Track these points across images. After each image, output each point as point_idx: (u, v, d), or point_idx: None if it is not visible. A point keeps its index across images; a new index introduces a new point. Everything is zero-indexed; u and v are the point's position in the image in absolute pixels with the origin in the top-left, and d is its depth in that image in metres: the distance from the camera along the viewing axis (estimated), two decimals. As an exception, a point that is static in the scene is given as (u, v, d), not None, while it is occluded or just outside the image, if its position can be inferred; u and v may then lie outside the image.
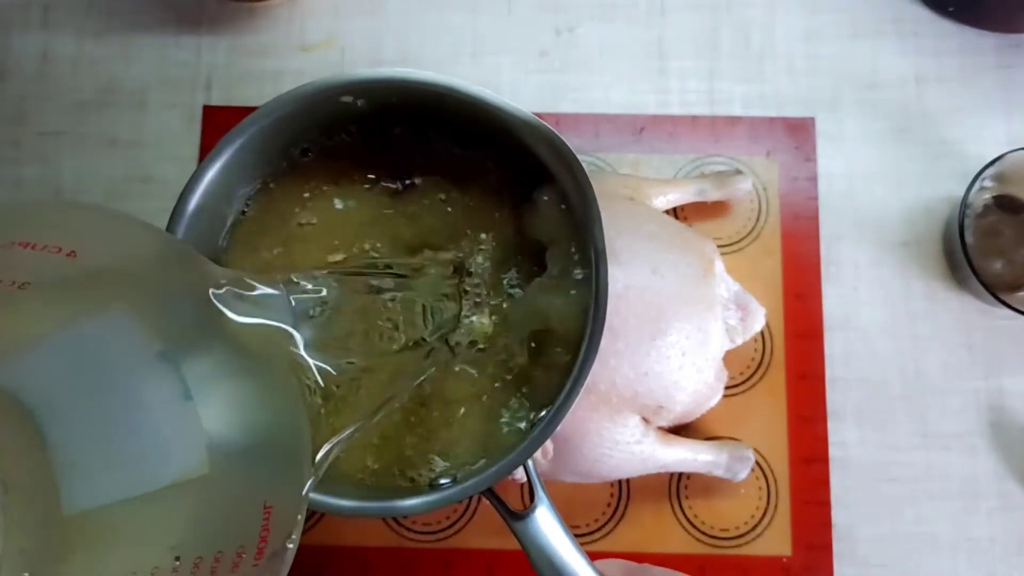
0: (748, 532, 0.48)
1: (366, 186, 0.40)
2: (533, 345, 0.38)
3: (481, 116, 0.36)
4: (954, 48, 0.54)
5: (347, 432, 0.29)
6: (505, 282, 0.39)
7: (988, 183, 0.48)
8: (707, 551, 0.48)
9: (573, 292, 0.37)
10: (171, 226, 0.36)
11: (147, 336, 0.22)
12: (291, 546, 0.24)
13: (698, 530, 0.48)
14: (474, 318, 0.38)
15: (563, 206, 0.38)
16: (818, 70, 0.54)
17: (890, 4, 0.54)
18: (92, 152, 0.53)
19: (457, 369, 0.38)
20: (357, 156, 0.40)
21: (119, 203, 0.52)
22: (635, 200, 0.47)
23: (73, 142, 0.53)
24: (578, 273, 0.37)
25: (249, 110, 0.36)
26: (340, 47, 0.54)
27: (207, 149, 0.36)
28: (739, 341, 0.45)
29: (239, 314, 0.25)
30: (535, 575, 0.35)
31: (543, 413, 0.36)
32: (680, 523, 0.48)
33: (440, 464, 0.37)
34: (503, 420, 0.37)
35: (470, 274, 0.39)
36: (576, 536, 0.35)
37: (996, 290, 0.46)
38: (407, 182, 0.40)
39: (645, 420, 0.43)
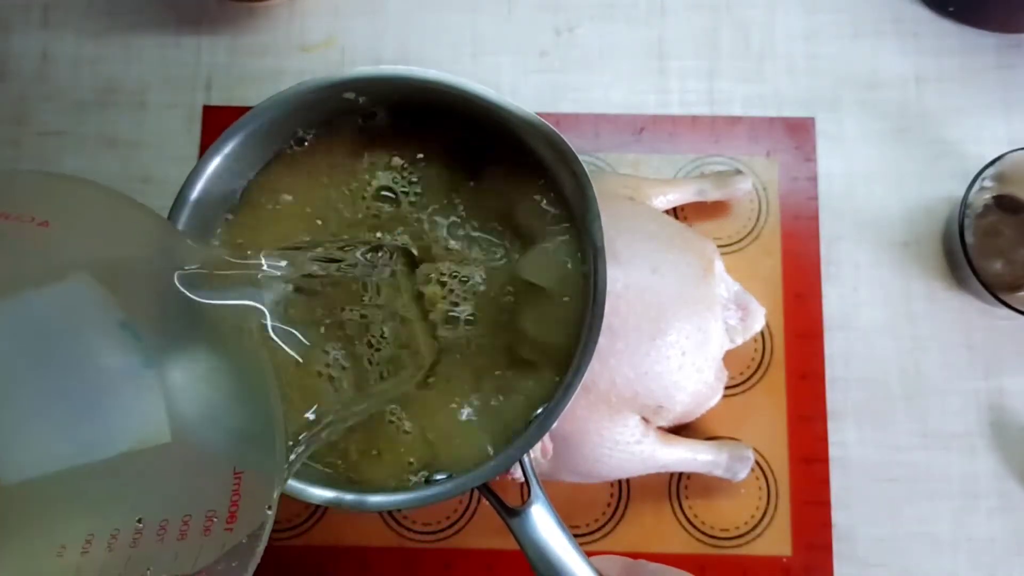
0: (748, 532, 0.48)
1: (366, 180, 0.40)
2: (529, 340, 0.38)
3: (482, 114, 0.36)
4: (954, 48, 0.54)
5: (329, 403, 0.29)
6: (495, 271, 0.39)
7: (988, 183, 0.48)
8: (707, 551, 0.48)
9: (569, 297, 0.37)
10: (172, 215, 0.36)
11: (108, 305, 0.22)
12: (270, 511, 0.24)
13: (698, 530, 0.48)
14: (457, 309, 0.38)
15: (552, 194, 0.38)
16: (818, 70, 0.54)
17: (890, 4, 0.54)
18: (92, 152, 0.53)
19: (453, 360, 0.38)
20: (356, 149, 0.40)
21: (119, 203, 0.52)
22: (635, 200, 0.47)
23: (73, 142, 0.53)
24: (563, 238, 0.37)
25: (249, 110, 0.36)
26: (340, 47, 0.54)
27: (207, 149, 0.36)
28: (739, 341, 0.45)
29: (210, 290, 0.25)
30: (535, 574, 0.35)
31: (539, 410, 0.36)
32: (680, 523, 0.48)
33: (436, 459, 0.37)
34: (499, 415, 0.37)
35: (455, 276, 0.39)
36: (576, 536, 0.35)
37: (996, 290, 0.46)
38: (407, 178, 0.40)
39: (645, 420, 0.43)
